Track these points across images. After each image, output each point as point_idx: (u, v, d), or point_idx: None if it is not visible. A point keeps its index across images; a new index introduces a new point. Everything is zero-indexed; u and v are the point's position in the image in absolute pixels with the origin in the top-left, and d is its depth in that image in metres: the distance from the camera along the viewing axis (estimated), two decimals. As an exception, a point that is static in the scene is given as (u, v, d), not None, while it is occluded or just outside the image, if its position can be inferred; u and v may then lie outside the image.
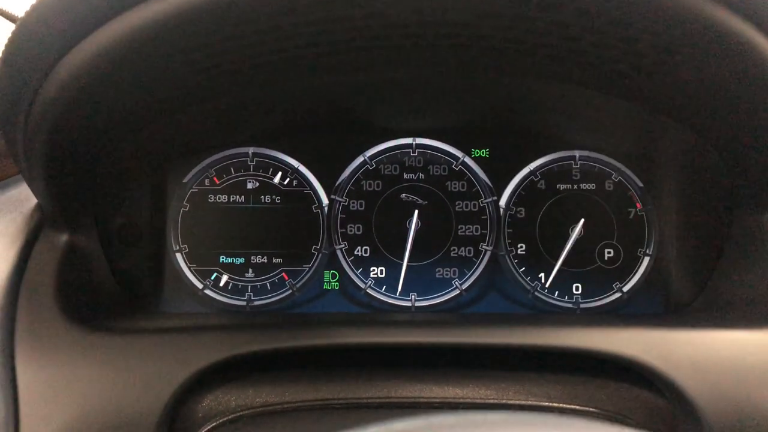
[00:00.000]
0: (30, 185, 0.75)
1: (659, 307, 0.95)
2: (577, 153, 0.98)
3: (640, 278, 0.96)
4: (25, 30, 0.57)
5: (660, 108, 0.83)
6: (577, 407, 0.70)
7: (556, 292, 0.96)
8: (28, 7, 0.58)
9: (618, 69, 0.75)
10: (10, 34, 0.59)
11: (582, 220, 0.96)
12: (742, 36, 0.59)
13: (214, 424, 0.69)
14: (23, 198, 0.82)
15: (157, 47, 0.62)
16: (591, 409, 0.69)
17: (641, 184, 0.97)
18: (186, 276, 0.96)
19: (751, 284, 0.81)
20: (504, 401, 0.70)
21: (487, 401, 0.69)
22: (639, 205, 0.97)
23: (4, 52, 0.59)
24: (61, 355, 0.67)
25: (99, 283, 0.84)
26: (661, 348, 0.68)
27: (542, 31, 0.68)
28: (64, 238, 0.77)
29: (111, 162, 0.84)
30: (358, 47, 0.76)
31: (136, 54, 0.61)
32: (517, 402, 0.69)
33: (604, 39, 0.67)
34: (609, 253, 0.97)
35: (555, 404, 0.70)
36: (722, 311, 0.83)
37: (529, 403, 0.70)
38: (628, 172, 0.98)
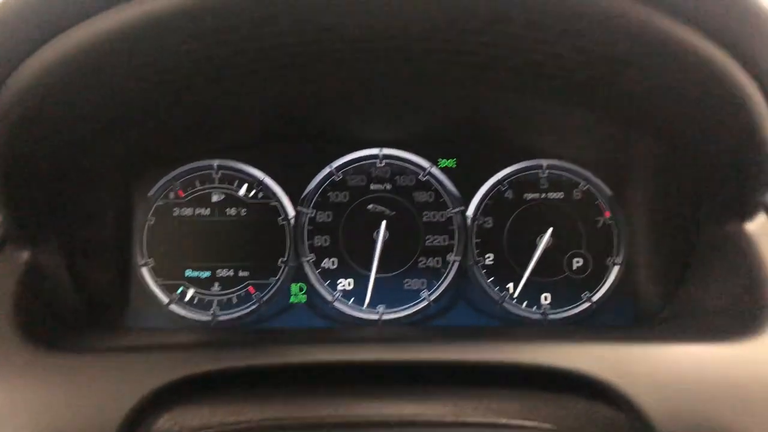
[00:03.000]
0: None
1: (628, 317, 0.94)
2: (544, 162, 0.98)
3: (608, 288, 0.95)
4: None
5: (624, 118, 0.83)
6: (536, 424, 0.69)
7: (525, 303, 0.96)
8: None
9: (576, 80, 0.75)
10: None
11: (550, 230, 0.96)
12: (695, 48, 0.59)
13: None
14: None
15: (113, 61, 0.62)
16: (549, 426, 0.69)
17: (610, 193, 0.97)
18: (152, 290, 0.95)
19: (715, 295, 0.80)
20: (462, 419, 0.69)
21: (444, 419, 0.69)
22: (607, 214, 0.97)
23: None
24: (15, 376, 0.66)
25: (62, 300, 0.83)
26: (619, 364, 0.67)
27: (494, 44, 0.67)
28: (25, 255, 0.76)
29: (73, 176, 0.83)
30: (317, 60, 0.75)
31: (89, 68, 0.61)
32: (475, 420, 0.69)
33: (558, 50, 0.67)
34: (578, 262, 0.96)
35: (513, 421, 0.69)
36: (688, 322, 0.83)
37: (487, 420, 0.69)
38: (596, 180, 0.97)
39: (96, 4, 0.56)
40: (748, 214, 0.77)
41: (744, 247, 0.77)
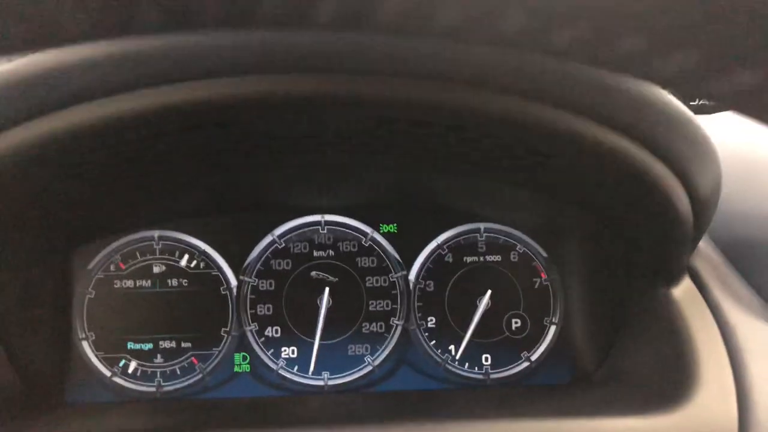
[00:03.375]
0: None
1: (566, 376, 0.97)
2: (482, 226, 1.00)
3: (546, 347, 0.98)
4: None
5: (554, 194, 0.86)
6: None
7: (467, 364, 0.98)
8: None
9: (505, 167, 0.78)
10: None
11: (489, 291, 0.98)
12: (608, 143, 0.62)
13: None
14: None
15: (43, 160, 0.62)
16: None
17: (545, 255, 1.00)
18: (93, 364, 0.94)
19: (645, 360, 0.84)
20: None
21: None
22: (543, 275, 1.00)
23: None
24: None
25: None
26: None
27: (427, 140, 0.70)
28: None
29: (10, 249, 0.82)
30: (254, 147, 0.77)
31: (39, 158, 0.61)
32: None
33: (481, 145, 0.70)
34: (516, 323, 0.99)
35: None
36: (619, 386, 0.86)
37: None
38: (533, 243, 1.00)
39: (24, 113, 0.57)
40: (675, 279, 0.81)
41: (670, 313, 0.81)
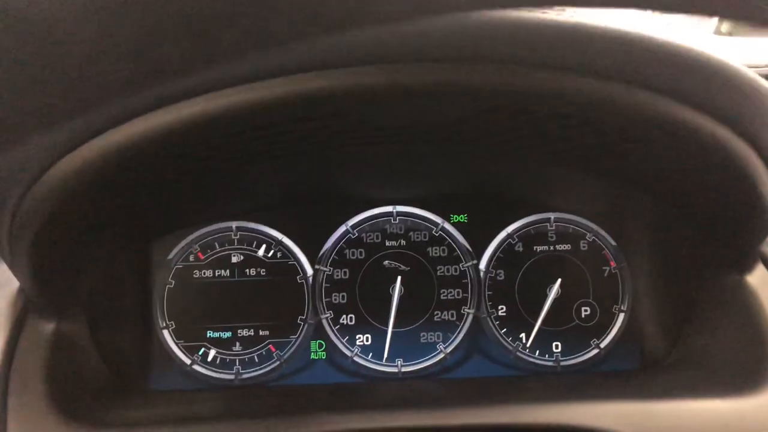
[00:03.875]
0: (12, 271, 0.75)
1: (635, 362, 0.99)
2: (552, 215, 1.02)
3: (615, 334, 1.00)
4: None
5: (627, 182, 0.87)
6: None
7: (537, 351, 0.99)
8: None
9: (582, 153, 0.79)
10: None
11: (559, 280, 1.00)
12: (698, 127, 0.63)
13: None
14: (3, 280, 0.82)
15: (147, 154, 0.64)
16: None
17: (614, 243, 1.01)
18: (174, 352, 0.96)
19: (718, 346, 0.85)
20: None
21: None
22: (613, 264, 1.01)
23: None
24: None
25: (88, 368, 0.84)
26: (633, 420, 0.71)
27: (505, 129, 0.71)
28: (50, 326, 0.77)
29: (94, 244, 0.84)
30: (337, 142, 0.79)
31: (126, 160, 0.63)
32: None
33: (569, 132, 0.71)
34: (586, 310, 1.00)
35: None
36: (692, 373, 0.87)
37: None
38: (602, 231, 1.02)
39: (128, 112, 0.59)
40: (748, 266, 0.82)
41: (745, 300, 0.82)
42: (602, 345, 0.99)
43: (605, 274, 1.01)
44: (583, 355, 1.00)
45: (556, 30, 0.55)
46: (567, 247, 1.01)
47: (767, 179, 0.68)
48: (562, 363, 0.99)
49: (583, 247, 1.02)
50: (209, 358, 0.97)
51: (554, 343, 1.00)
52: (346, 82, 0.57)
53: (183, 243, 0.98)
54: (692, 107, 0.62)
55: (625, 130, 0.68)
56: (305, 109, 0.61)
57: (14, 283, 0.79)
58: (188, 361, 0.96)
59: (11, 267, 0.74)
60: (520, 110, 0.65)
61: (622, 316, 1.00)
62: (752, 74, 0.62)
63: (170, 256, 0.98)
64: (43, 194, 0.62)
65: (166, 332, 0.97)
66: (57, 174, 0.61)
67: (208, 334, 0.97)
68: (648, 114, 0.62)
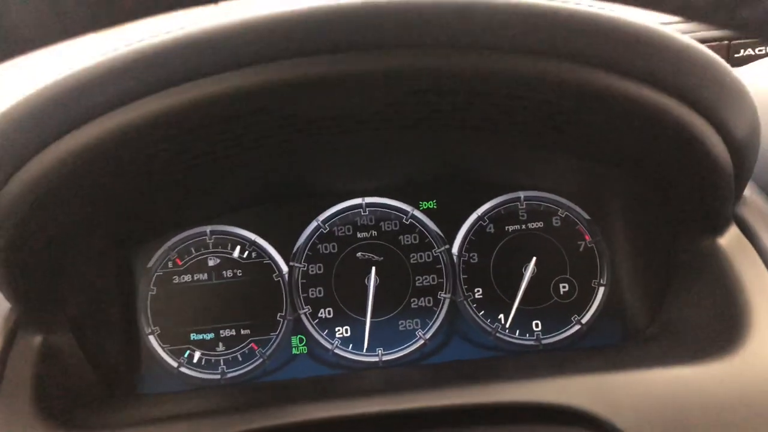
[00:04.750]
0: None
1: (617, 335, 0.97)
2: (522, 194, 1.01)
3: (596, 309, 0.98)
4: None
5: (591, 156, 0.86)
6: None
7: (517, 331, 0.99)
8: None
9: (541, 129, 0.78)
10: None
11: (534, 258, 0.99)
12: (654, 102, 0.62)
13: None
14: None
15: (115, 154, 0.66)
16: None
17: (587, 217, 1.00)
18: (160, 356, 1.00)
19: (697, 311, 0.83)
20: None
21: None
22: (588, 237, 1.00)
23: None
24: None
25: (76, 376, 0.88)
26: (607, 394, 0.70)
27: (465, 106, 0.71)
28: (38, 339, 0.81)
29: (76, 258, 0.87)
30: (298, 136, 0.80)
31: (96, 162, 0.66)
32: None
33: (524, 107, 0.71)
34: (564, 287, 0.99)
35: None
36: (672, 341, 0.86)
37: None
38: (574, 206, 1.00)
39: (83, 115, 0.62)
40: (720, 228, 0.80)
41: (718, 263, 0.80)
42: (583, 320, 0.98)
43: (581, 249, 1.00)
44: (564, 331, 0.99)
45: (491, 9, 0.56)
46: (539, 224, 1.00)
47: (717, 141, 0.67)
48: (544, 341, 0.99)
49: (556, 223, 1.00)
50: (194, 360, 1.00)
51: (534, 322, 0.99)
52: (279, 75, 0.59)
53: (161, 251, 1.01)
54: (635, 80, 0.61)
55: (572, 106, 0.68)
56: (254, 102, 0.64)
57: (5, 304, 0.83)
58: (175, 364, 0.99)
59: None
60: (469, 92, 0.65)
61: (602, 290, 0.99)
62: (689, 40, 0.61)
63: (150, 264, 1.01)
64: (4, 207, 0.65)
65: (151, 337, 1.00)
66: (21, 181, 0.64)
67: (192, 337, 1.00)
68: (593, 89, 0.62)
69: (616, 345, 0.96)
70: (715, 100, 0.64)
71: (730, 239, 0.80)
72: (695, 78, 0.62)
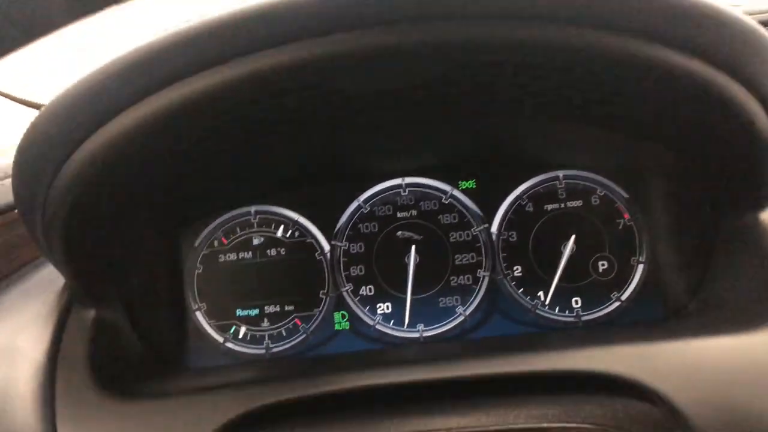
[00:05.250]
0: (53, 265, 0.83)
1: (657, 312, 0.98)
2: (560, 173, 1.02)
3: (636, 286, 0.99)
4: (47, 119, 0.65)
5: (632, 132, 0.87)
6: (575, 425, 0.73)
7: (557, 308, 1.00)
8: (48, 101, 0.65)
9: (583, 104, 0.80)
10: (31, 122, 0.66)
11: (573, 237, 1.00)
12: (695, 73, 0.63)
13: None
14: (52, 278, 0.90)
15: (169, 131, 0.69)
16: (588, 426, 0.73)
17: (626, 195, 1.01)
18: (207, 332, 1.03)
19: (739, 286, 0.84)
20: (506, 426, 0.74)
21: (489, 428, 0.74)
22: (626, 216, 1.01)
23: (24, 140, 0.66)
24: (99, 425, 0.74)
25: (127, 349, 0.91)
26: (649, 362, 0.71)
27: (506, 83, 0.73)
28: (91, 313, 0.84)
29: (129, 236, 0.91)
30: (344, 113, 0.82)
31: (152, 138, 0.69)
32: (517, 426, 0.74)
33: (566, 83, 0.72)
34: (603, 265, 1.00)
35: (554, 424, 0.74)
36: (714, 314, 0.86)
37: (529, 426, 0.74)
38: (612, 185, 1.01)
39: (150, 85, 0.64)
40: (762, 203, 0.81)
41: (761, 238, 0.81)
42: (623, 297, 0.99)
43: (620, 227, 1.01)
44: (604, 308, 0.99)
45: None
46: (578, 203, 1.02)
47: (762, 116, 0.68)
48: (584, 318, 0.99)
49: (595, 201, 1.02)
50: (240, 335, 1.02)
51: (573, 299, 1.00)
52: (327, 50, 0.61)
53: (207, 230, 1.05)
54: (684, 53, 0.62)
55: (620, 78, 0.69)
56: (288, 80, 0.66)
57: (60, 281, 0.87)
58: (221, 339, 1.02)
59: (49, 257, 0.82)
60: (520, 65, 0.67)
61: (641, 267, 0.99)
62: (734, 11, 0.62)
63: (196, 244, 1.04)
64: (63, 185, 0.69)
65: (198, 313, 1.03)
66: (78, 160, 0.67)
67: (237, 313, 1.03)
68: (640, 61, 0.63)
69: (658, 320, 0.97)
70: (761, 73, 0.65)
71: None
72: (741, 51, 0.63)
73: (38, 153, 0.67)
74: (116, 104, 0.64)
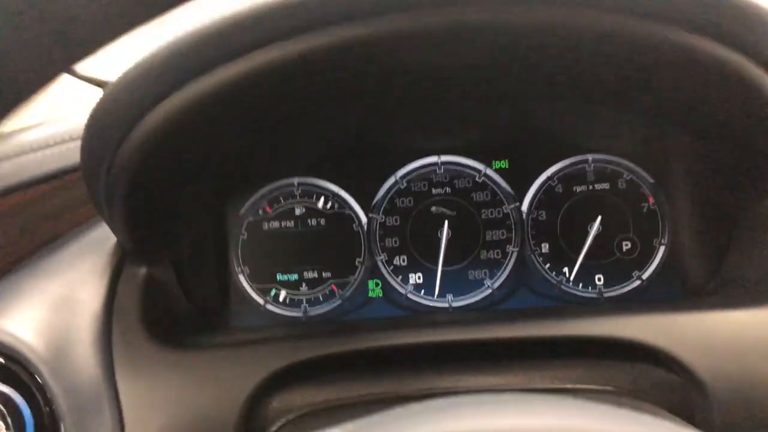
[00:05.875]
0: (111, 228, 0.89)
1: (677, 292, 1.03)
2: (590, 156, 1.07)
3: (657, 266, 1.04)
4: (113, 94, 0.69)
5: (658, 117, 0.92)
6: (596, 387, 0.79)
7: (581, 284, 1.05)
8: (117, 75, 0.69)
9: (613, 89, 0.84)
10: (99, 97, 0.70)
11: (599, 217, 1.05)
12: (717, 57, 0.67)
13: (284, 421, 0.82)
14: (105, 237, 0.95)
15: (228, 105, 0.74)
16: (609, 388, 0.79)
17: (652, 181, 1.06)
18: (249, 294, 1.10)
19: (758, 266, 0.88)
20: (531, 386, 0.80)
21: (515, 387, 0.80)
22: (651, 200, 1.05)
23: (92, 115, 0.70)
24: (152, 371, 0.80)
25: (175, 307, 0.98)
26: (670, 331, 0.77)
27: (542, 65, 0.78)
28: (143, 271, 0.90)
29: (180, 202, 0.97)
30: (387, 90, 0.87)
31: (211, 109, 0.73)
32: (542, 386, 0.80)
33: (597, 68, 0.77)
34: (626, 245, 1.05)
35: (577, 386, 0.80)
36: (734, 292, 0.91)
37: (553, 386, 0.80)
38: (639, 170, 1.06)
39: (225, 55, 0.68)
40: None
41: None
42: (644, 276, 1.04)
43: (644, 210, 1.05)
44: (625, 286, 1.05)
45: None
46: (606, 186, 1.07)
47: None
48: (606, 294, 1.05)
49: (621, 185, 1.06)
50: (280, 299, 1.09)
51: (597, 276, 1.05)
52: (379, 28, 0.66)
53: (252, 199, 1.11)
54: (707, 37, 0.66)
55: (642, 63, 0.73)
56: (341, 58, 0.71)
57: (112, 239, 0.93)
58: (261, 301, 1.09)
59: (108, 221, 0.87)
60: (570, 48, 0.71)
61: (662, 248, 1.04)
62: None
63: (242, 212, 1.11)
64: (132, 149, 0.74)
65: (241, 276, 1.10)
66: (143, 129, 0.73)
67: (278, 278, 1.10)
68: (671, 47, 0.67)
69: (677, 298, 1.02)
70: None
71: None
72: (763, 35, 0.67)
73: (108, 121, 0.71)
74: (187, 73, 0.67)
